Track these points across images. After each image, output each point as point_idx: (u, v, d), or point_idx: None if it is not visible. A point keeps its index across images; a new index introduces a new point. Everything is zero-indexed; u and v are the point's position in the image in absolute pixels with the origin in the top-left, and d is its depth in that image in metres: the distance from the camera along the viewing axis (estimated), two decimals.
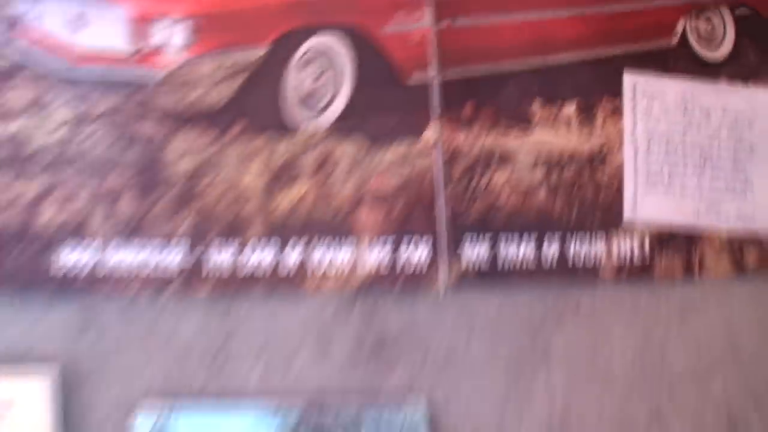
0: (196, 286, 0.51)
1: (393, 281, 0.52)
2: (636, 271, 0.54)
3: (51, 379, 0.49)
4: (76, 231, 0.50)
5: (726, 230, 0.55)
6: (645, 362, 0.53)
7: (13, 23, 0.53)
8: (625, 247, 0.53)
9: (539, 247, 0.53)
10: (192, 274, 0.51)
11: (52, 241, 0.50)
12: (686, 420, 0.52)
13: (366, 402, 0.50)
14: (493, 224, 0.53)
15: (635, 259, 0.54)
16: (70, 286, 0.50)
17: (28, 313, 0.50)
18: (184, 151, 0.52)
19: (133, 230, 0.51)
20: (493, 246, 0.52)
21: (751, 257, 0.55)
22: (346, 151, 0.53)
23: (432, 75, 0.54)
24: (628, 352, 0.53)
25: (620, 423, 0.52)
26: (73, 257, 0.50)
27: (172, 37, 0.51)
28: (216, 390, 0.50)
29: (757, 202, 0.55)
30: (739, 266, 0.54)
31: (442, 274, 0.52)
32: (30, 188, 0.51)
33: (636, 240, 0.54)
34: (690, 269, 0.54)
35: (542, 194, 0.53)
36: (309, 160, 0.52)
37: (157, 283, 0.51)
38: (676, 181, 0.54)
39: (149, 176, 0.52)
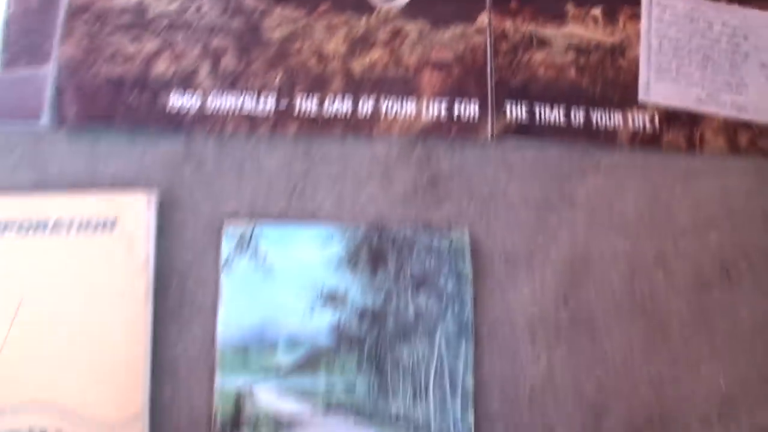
0: (282, 128, 0.51)
1: (447, 130, 0.51)
2: (647, 141, 0.53)
3: (152, 200, 0.49)
4: (185, 81, 0.51)
5: (723, 116, 0.54)
6: (653, 215, 0.51)
7: None
8: (639, 121, 0.53)
9: (568, 115, 0.53)
10: (280, 118, 0.51)
11: (164, 88, 0.51)
12: (686, 264, 0.51)
13: (419, 228, 0.50)
14: (531, 93, 0.53)
15: (647, 131, 0.53)
16: (177, 124, 0.51)
17: (140, 145, 0.51)
18: (279, 22, 0.53)
19: (232, 82, 0.51)
20: (530, 110, 0.53)
21: (743, 139, 0.54)
22: (413, 28, 0.53)
23: None
24: (638, 206, 0.51)
25: (631, 262, 0.50)
26: (181, 101, 0.51)
27: None
28: (294, 213, 0.50)
29: (750, 98, 0.55)
30: (733, 145, 0.54)
31: (489, 127, 0.51)
32: (148, 46, 0.52)
33: (647, 116, 0.53)
34: (692, 144, 0.53)
35: (572, 72, 0.54)
36: (383, 33, 0.53)
37: (250, 124, 0.51)
38: (682, 73, 0.54)
39: (248, 40, 0.52)
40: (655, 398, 0.49)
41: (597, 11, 0.55)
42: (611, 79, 0.54)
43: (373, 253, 0.49)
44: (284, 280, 0.49)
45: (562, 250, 0.51)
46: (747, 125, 0.55)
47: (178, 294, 0.49)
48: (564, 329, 0.49)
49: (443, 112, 0.52)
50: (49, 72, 0.52)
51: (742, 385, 0.50)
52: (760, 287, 0.51)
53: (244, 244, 0.48)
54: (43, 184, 0.50)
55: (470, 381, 0.47)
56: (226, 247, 0.48)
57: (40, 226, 0.49)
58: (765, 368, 0.51)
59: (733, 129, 0.54)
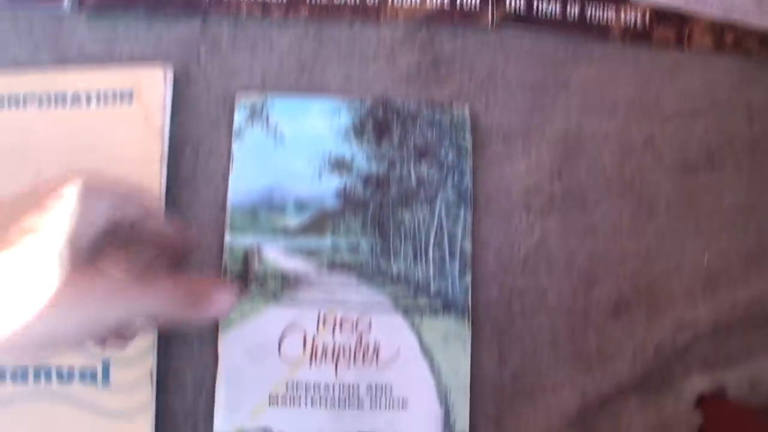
0: (294, 13, 0.53)
1: (450, 18, 0.54)
2: (638, 36, 0.55)
3: (168, 73, 0.51)
4: None
5: (710, 16, 0.57)
6: (642, 102, 0.54)
7: None
8: (630, 17, 0.56)
9: (564, 8, 0.55)
10: (291, 3, 0.53)
11: None
12: (673, 148, 0.53)
13: (422, 103, 0.52)
14: None
15: (638, 27, 0.56)
16: (194, 7, 0.53)
17: (157, 28, 0.53)
18: None
19: None
20: (529, 1, 0.55)
21: (729, 38, 0.57)
22: None
23: None
24: (628, 93, 0.54)
25: (621, 143, 0.53)
26: None
27: None
28: (304, 90, 0.52)
29: (736, 3, 0.58)
30: (719, 44, 0.56)
31: (489, 15, 0.54)
32: None
33: (639, 12, 0.56)
34: (680, 40, 0.56)
35: None
36: None
37: (263, 9, 0.53)
38: None
39: None
40: (642, 270, 0.52)
41: None
42: None
43: (378, 124, 0.51)
44: (293, 147, 0.51)
45: (557, 129, 0.53)
46: (733, 26, 0.57)
47: (191, 163, 0.51)
48: (557, 201, 0.51)
49: (446, 0, 0.54)
50: None
51: (723, 262, 0.53)
52: (741, 173, 0.54)
53: (256, 114, 0.50)
54: (62, 63, 0.52)
55: (468, 245, 0.50)
56: (239, 116, 0.51)
57: (59, 99, 0.51)
58: (745, 248, 0.53)
59: (719, 29, 0.57)
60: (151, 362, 0.47)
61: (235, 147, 0.50)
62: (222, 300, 0.42)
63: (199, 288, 0.42)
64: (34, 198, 0.34)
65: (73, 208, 0.34)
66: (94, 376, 0.46)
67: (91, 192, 0.36)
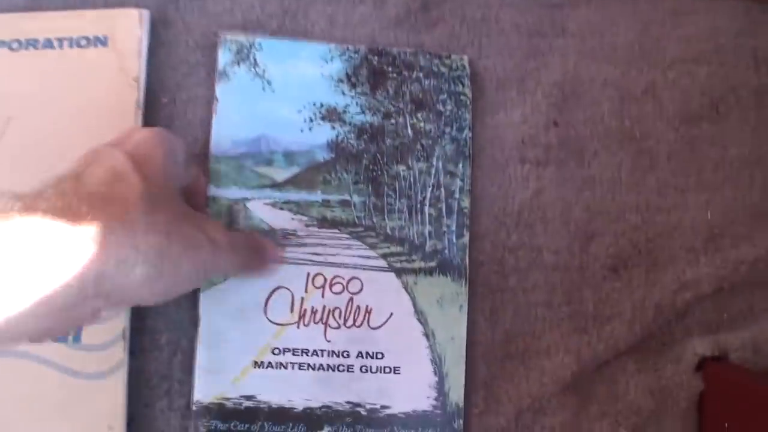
0: None
1: None
2: None
3: (144, 16, 0.47)
4: None
5: None
6: (643, 48, 0.50)
7: None
8: None
9: None
10: None
11: None
12: (675, 96, 0.50)
13: (419, 51, 0.48)
14: None
15: None
16: None
17: None
18: None
19: None
20: None
21: None
22: None
23: None
24: (629, 38, 0.50)
25: (620, 91, 0.50)
26: None
27: None
28: (287, 33, 0.48)
29: None
30: None
31: None
32: None
33: None
34: None
35: None
36: None
37: None
38: None
39: None
40: (641, 226, 0.49)
41: None
42: None
43: (372, 72, 0.48)
44: (283, 94, 0.47)
45: (553, 76, 0.50)
46: None
47: (169, 110, 0.48)
48: (553, 152, 0.48)
49: None
50: None
51: (727, 217, 0.50)
52: (747, 123, 0.51)
53: (243, 55, 0.46)
54: (34, 8, 0.48)
55: (466, 203, 0.47)
56: (223, 57, 0.46)
57: (30, 44, 0.47)
58: (749, 203, 0.50)
59: None
60: (124, 321, 0.43)
61: (219, 90, 0.46)
62: (276, 252, 0.43)
63: (257, 241, 0.43)
64: (111, 156, 0.34)
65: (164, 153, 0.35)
66: (64, 335, 0.43)
67: (162, 134, 0.36)
